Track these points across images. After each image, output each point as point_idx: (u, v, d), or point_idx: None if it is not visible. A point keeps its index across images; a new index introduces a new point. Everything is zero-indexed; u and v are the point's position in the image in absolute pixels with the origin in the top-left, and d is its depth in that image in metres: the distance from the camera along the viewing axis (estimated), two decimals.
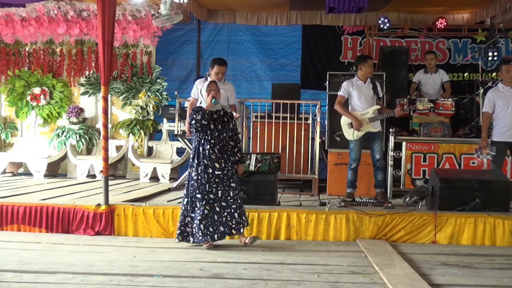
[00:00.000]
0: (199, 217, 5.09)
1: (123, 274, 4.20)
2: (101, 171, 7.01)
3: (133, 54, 9.60)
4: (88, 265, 4.47)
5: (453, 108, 7.76)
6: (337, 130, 7.32)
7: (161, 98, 9.41)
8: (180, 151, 9.22)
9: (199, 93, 6.21)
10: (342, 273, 4.38)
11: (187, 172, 5.80)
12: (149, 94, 9.38)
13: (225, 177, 5.19)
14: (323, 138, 8.02)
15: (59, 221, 5.83)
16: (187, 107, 7.89)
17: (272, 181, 6.28)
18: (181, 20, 7.90)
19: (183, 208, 5.26)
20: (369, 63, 6.59)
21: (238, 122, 6.53)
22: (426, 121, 7.61)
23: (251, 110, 8.11)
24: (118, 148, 9.37)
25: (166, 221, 5.79)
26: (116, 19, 7.37)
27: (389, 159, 7.18)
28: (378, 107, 6.52)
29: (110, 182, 6.42)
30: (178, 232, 5.25)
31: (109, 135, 7.62)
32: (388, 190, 7.12)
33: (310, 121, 7.90)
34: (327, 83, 7.90)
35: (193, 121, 5.20)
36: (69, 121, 9.40)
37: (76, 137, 9.26)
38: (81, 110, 9.49)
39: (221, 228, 5.17)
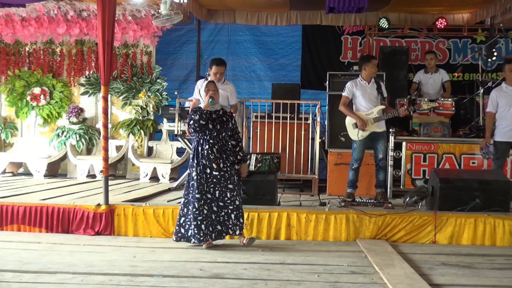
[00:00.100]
0: (199, 218, 5.09)
1: (123, 274, 4.20)
2: (101, 171, 7.01)
3: (133, 54, 9.60)
4: (88, 265, 4.47)
5: (453, 108, 7.76)
6: (337, 130, 7.33)
7: (161, 98, 9.41)
8: (180, 151, 9.22)
9: (199, 94, 6.22)
10: (342, 273, 4.38)
11: (187, 172, 5.80)
12: (149, 94, 9.38)
13: (222, 178, 5.19)
14: (323, 138, 8.02)
15: (59, 221, 5.83)
16: (187, 107, 7.91)
17: (272, 181, 6.28)
18: (181, 20, 7.90)
19: (181, 208, 5.28)
20: (373, 63, 6.59)
21: (238, 122, 6.52)
22: (426, 121, 7.61)
23: (251, 110, 8.11)
24: (118, 148, 9.37)
25: (166, 221, 5.79)
26: (116, 19, 7.37)
27: (389, 159, 7.18)
28: (383, 107, 6.51)
29: (110, 182, 6.42)
30: (175, 231, 5.29)
31: (109, 135, 7.62)
32: (388, 190, 7.12)
33: (310, 121, 7.90)
34: (327, 83, 7.90)
35: (191, 122, 5.21)
36: (69, 121, 9.40)
37: (76, 137, 9.26)
38: (81, 110, 9.48)
39: (219, 227, 5.19)
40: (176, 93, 8.08)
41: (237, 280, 4.10)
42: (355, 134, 6.50)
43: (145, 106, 9.32)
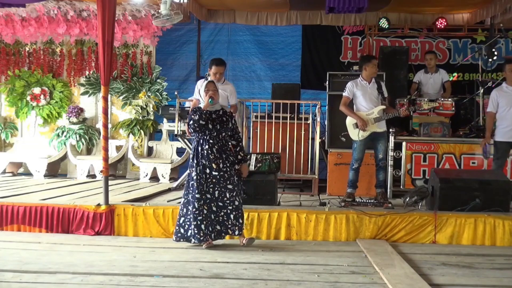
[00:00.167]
0: (199, 218, 5.09)
1: (123, 274, 4.20)
2: (101, 171, 7.01)
3: (133, 54, 9.60)
4: (88, 265, 4.47)
5: (453, 108, 7.77)
6: (337, 130, 7.33)
7: (161, 98, 9.41)
8: (180, 151, 9.22)
9: (199, 94, 6.23)
10: (342, 273, 4.38)
11: (187, 172, 5.80)
12: (149, 94, 9.38)
13: (222, 179, 5.19)
14: (323, 138, 8.02)
15: (59, 221, 5.83)
16: (187, 107, 7.91)
17: (272, 181, 6.27)
18: (181, 20, 7.90)
19: (181, 208, 5.28)
20: (373, 63, 6.59)
21: (238, 122, 6.52)
22: (426, 121, 7.61)
23: (251, 110, 8.11)
24: (118, 148, 9.37)
25: (166, 221, 5.79)
26: (116, 19, 7.37)
27: (389, 159, 7.18)
28: (383, 107, 6.51)
29: (110, 182, 6.42)
30: (175, 231, 5.30)
31: (109, 135, 7.62)
32: (388, 190, 7.12)
33: (310, 121, 7.90)
34: (327, 83, 7.91)
35: (191, 122, 5.21)
36: (69, 121, 9.40)
37: (76, 137, 9.26)
38: (81, 110, 9.48)
39: (218, 227, 5.19)
40: (176, 93, 8.08)
41: (237, 280, 4.10)
42: (355, 134, 6.50)
43: (145, 106, 9.32)
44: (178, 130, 7.98)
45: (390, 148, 7.20)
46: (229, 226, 5.20)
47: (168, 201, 6.44)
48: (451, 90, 8.51)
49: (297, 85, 9.17)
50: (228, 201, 5.18)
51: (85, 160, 9.10)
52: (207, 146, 5.19)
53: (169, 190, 7.69)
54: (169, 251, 5.09)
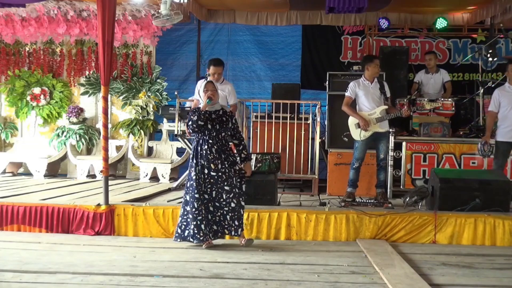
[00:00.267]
0: (199, 218, 5.09)
1: (123, 274, 4.20)
2: (101, 171, 7.01)
3: (133, 54, 9.60)
4: (88, 265, 4.47)
5: (453, 108, 7.77)
6: (337, 130, 7.33)
7: (161, 98, 9.41)
8: (180, 151, 9.22)
9: (199, 94, 6.22)
10: (342, 273, 4.38)
11: (187, 172, 5.80)
12: (149, 94, 9.38)
13: (220, 179, 5.18)
14: (323, 138, 8.02)
15: (59, 221, 5.83)
16: (187, 107, 7.91)
17: (272, 181, 6.27)
18: (181, 20, 7.90)
19: (181, 208, 5.28)
20: (376, 63, 6.59)
21: (237, 122, 6.52)
22: (426, 121, 7.61)
23: (251, 110, 8.11)
24: (118, 148, 9.37)
25: (166, 221, 5.79)
26: (116, 19, 7.37)
27: (389, 159, 7.18)
28: (386, 107, 6.51)
29: (110, 182, 6.42)
30: (175, 231, 5.30)
31: (109, 135, 7.62)
32: (388, 190, 7.11)
33: (310, 121, 7.90)
34: (327, 83, 7.91)
35: (190, 122, 5.21)
36: (69, 121, 9.40)
37: (76, 137, 9.26)
38: (81, 110, 9.48)
39: (214, 227, 5.20)
40: (176, 93, 8.08)
41: (237, 280, 4.10)
42: (357, 134, 6.50)
43: (145, 106, 9.32)
44: (178, 130, 7.98)
45: (390, 148, 7.20)
46: (226, 226, 5.20)
47: (168, 201, 6.44)
48: (451, 90, 8.50)
49: (297, 85, 9.17)
50: (224, 202, 5.17)
51: (85, 160, 9.09)
52: (206, 146, 5.19)
53: (169, 190, 7.69)
54: (169, 251, 5.09)
